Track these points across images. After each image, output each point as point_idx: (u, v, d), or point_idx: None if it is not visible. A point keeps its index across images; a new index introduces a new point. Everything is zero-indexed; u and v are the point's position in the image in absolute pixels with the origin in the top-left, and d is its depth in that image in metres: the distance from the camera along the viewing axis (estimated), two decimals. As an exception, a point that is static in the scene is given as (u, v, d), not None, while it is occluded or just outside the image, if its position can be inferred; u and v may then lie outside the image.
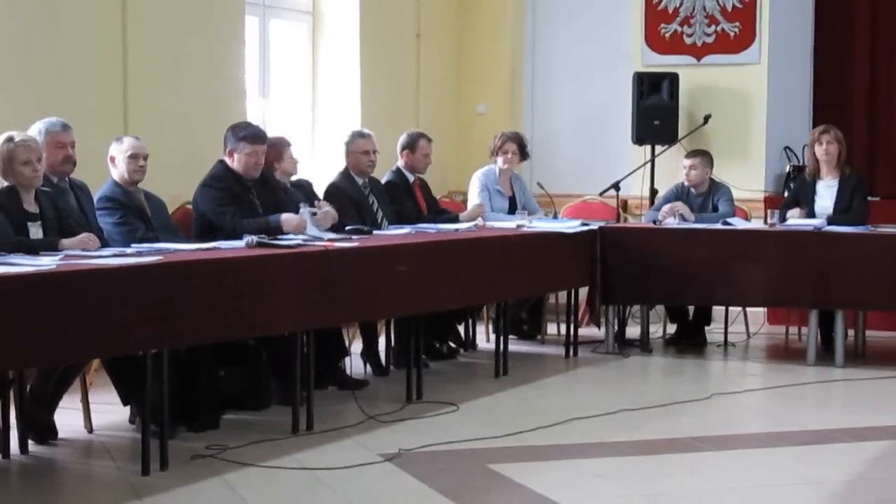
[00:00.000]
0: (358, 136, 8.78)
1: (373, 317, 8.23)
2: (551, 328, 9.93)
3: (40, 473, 5.90)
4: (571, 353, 9.24)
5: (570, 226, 9.38)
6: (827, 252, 8.76)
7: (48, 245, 5.98)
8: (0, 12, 7.47)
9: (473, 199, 9.53)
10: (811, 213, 9.21)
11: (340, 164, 8.78)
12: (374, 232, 8.00)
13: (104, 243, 6.35)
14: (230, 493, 5.40)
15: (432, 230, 8.45)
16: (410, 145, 9.18)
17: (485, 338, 9.49)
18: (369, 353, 8.49)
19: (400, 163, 9.17)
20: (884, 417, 7.08)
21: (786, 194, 9.81)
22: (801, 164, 9.83)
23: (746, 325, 10.20)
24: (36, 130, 6.44)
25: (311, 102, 10.69)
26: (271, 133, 8.17)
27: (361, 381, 7.98)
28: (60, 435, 6.33)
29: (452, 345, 9.25)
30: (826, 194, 9.32)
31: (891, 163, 10.19)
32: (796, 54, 11.42)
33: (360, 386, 7.83)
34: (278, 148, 7.95)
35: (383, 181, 8.93)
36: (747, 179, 10.60)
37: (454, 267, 7.92)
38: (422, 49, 11.38)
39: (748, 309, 10.01)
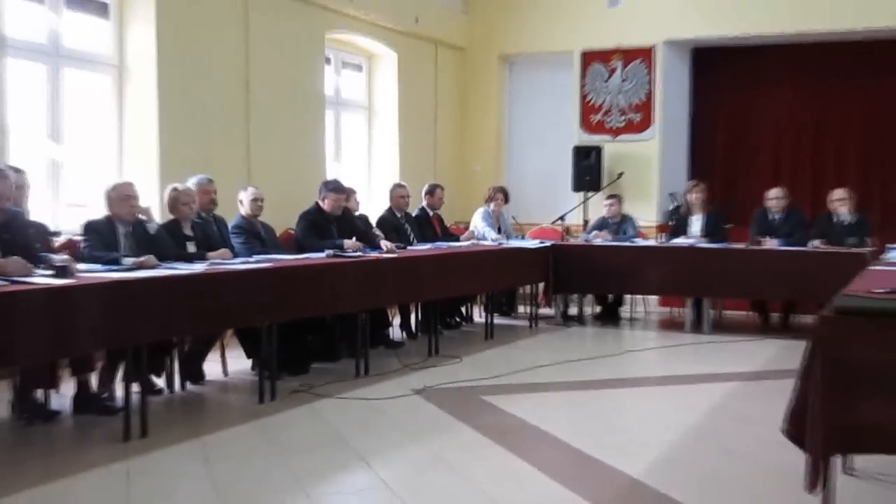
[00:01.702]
0: (397, 186, 8.83)
1: (406, 301, 8.26)
2: (521, 308, 9.87)
3: (194, 402, 5.92)
4: (534, 324, 9.19)
5: (533, 243, 9.45)
6: (697, 259, 8.78)
7: (199, 256, 6.01)
8: (179, 112, 7.51)
9: (477, 227, 9.54)
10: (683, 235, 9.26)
11: (385, 204, 8.78)
12: (408, 247, 8.01)
13: (235, 256, 6.37)
14: (315, 415, 5.42)
15: (444, 246, 8.46)
16: (430, 192, 9.22)
17: (478, 314, 9.44)
18: (404, 325, 8.48)
19: (423, 203, 9.17)
20: (734, 366, 7.09)
21: (670, 223, 9.77)
22: (679, 204, 9.80)
23: (645, 306, 10.20)
24: (191, 182, 6.48)
25: (367, 164, 10.69)
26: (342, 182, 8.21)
27: (399, 343, 7.98)
28: (207, 378, 6.34)
29: (458, 319, 9.22)
30: (696, 224, 9.31)
31: (742, 202, 10.15)
32: (678, 133, 11.38)
33: (398, 346, 7.84)
34: (348, 194, 7.97)
35: (413, 215, 8.92)
36: (646, 213, 10.58)
37: (458, 269, 7.98)
38: (437, 128, 11.37)
39: (647, 296, 10.02)
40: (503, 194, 9.83)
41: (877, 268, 5.79)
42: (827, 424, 3.28)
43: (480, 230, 9.52)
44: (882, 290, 3.87)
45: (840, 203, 8.81)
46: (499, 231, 9.59)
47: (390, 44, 10.52)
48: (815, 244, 8.53)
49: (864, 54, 10.56)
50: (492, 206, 9.72)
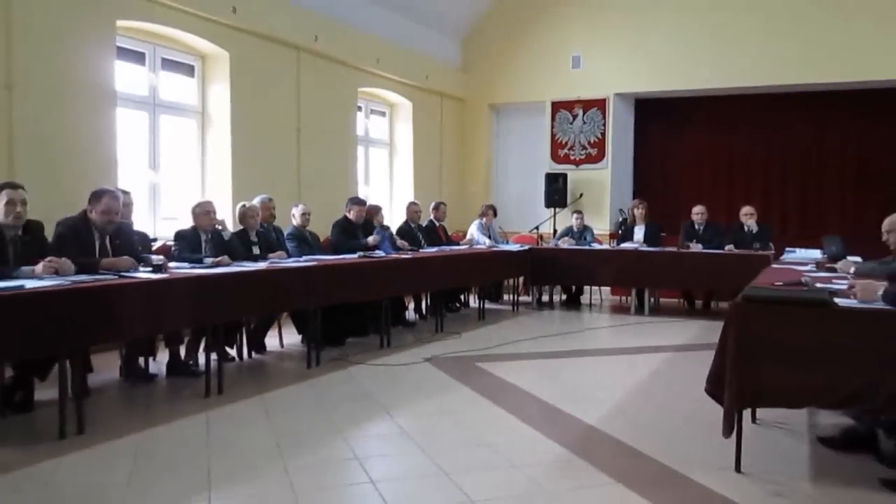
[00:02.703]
0: (412, 203, 8.82)
1: (418, 291, 8.25)
2: (506, 296, 9.86)
3: (258, 367, 5.91)
4: (515, 308, 9.16)
5: (515, 247, 9.39)
6: (639, 260, 8.74)
7: (262, 257, 6.02)
8: (246, 148, 7.53)
9: (473, 235, 9.53)
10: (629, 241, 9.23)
11: (403, 217, 8.78)
12: (420, 250, 7.99)
13: (289, 256, 6.37)
14: (350, 378, 5.41)
15: (448, 249, 8.43)
16: (436, 207, 9.19)
17: (473, 301, 9.43)
18: (417, 309, 8.47)
19: (431, 216, 9.14)
20: (668, 341, 7.06)
21: (619, 232, 9.76)
22: (626, 217, 9.79)
23: (600, 295, 10.18)
24: (256, 200, 6.48)
25: (389, 188, 10.69)
26: (371, 202, 8.19)
27: (413, 322, 7.95)
28: (267, 349, 6.34)
29: (457, 304, 9.21)
30: (639, 233, 9.30)
31: (673, 216, 10.14)
32: (625, 163, 11.37)
33: (412, 325, 7.83)
34: (375, 210, 7.96)
35: (424, 225, 8.91)
36: (601, 224, 10.57)
37: (458, 266, 7.95)
38: (442, 159, 11.38)
39: (601, 287, 10.00)
40: (493, 210, 9.84)
41: (777, 266, 5.80)
42: (738, 385, 3.29)
43: (476, 238, 9.51)
44: (780, 283, 3.88)
45: (748, 216, 8.81)
46: (489, 238, 9.59)
47: (407, 95, 10.54)
48: (729, 248, 8.53)
49: (765, 104, 10.57)
50: (484, 219, 9.73)
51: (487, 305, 8.93)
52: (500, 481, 3.34)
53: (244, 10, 7.46)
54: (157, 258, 4.93)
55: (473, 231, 9.66)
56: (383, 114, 10.66)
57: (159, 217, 7.16)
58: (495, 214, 9.87)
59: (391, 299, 6.88)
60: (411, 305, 8.44)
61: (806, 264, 5.76)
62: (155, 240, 6.09)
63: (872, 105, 10.07)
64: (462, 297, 9.44)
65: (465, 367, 5.81)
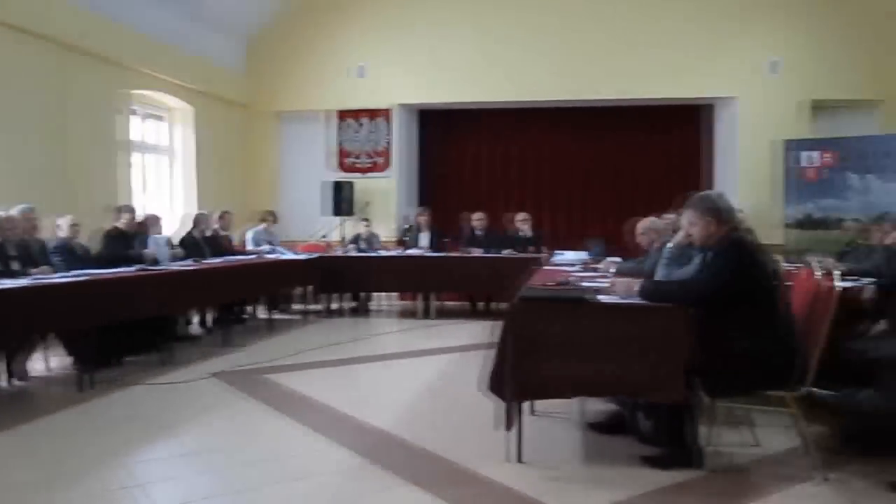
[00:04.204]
0: (200, 214, 8.36)
1: (203, 305, 7.81)
2: (295, 306, 9.64)
3: (19, 396, 5.31)
4: (305, 318, 8.98)
5: (303, 256, 9.21)
6: (425, 265, 8.97)
7: (23, 273, 5.41)
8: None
9: (250, 240, 9.20)
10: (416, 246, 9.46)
11: (186, 227, 8.30)
12: (203, 261, 7.60)
13: (55, 272, 5.78)
14: (128, 399, 5.02)
15: (234, 260, 8.08)
16: (221, 217, 8.83)
17: (261, 312, 9.12)
18: (202, 322, 8.03)
19: (216, 225, 8.73)
20: (453, 342, 7.28)
21: (405, 239, 9.93)
22: (411, 225, 10.02)
23: (388, 301, 10.29)
24: (14, 210, 5.81)
25: (170, 197, 10.07)
26: (148, 211, 7.65)
27: (197, 337, 7.53)
28: (31, 375, 5.71)
29: (245, 315, 8.86)
30: (424, 239, 9.54)
31: (455, 223, 10.47)
32: (410, 172, 11.58)
33: (197, 339, 7.40)
34: (153, 220, 7.45)
35: (208, 235, 8.48)
36: (388, 231, 10.66)
37: (244, 277, 7.62)
38: (226, 167, 10.94)
39: (390, 293, 10.10)
40: (273, 216, 9.65)
41: (548, 268, 6.20)
42: (516, 380, 3.47)
43: (258, 244, 9.23)
44: (552, 283, 4.15)
45: (523, 222, 9.37)
46: (270, 244, 9.37)
47: (187, 100, 9.98)
48: (506, 252, 9.01)
49: (537, 118, 11.30)
50: (264, 225, 9.51)
51: (276, 316, 8.72)
52: (294, 494, 3.26)
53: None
54: None
55: (249, 238, 9.38)
56: (161, 118, 10.05)
57: None
58: (275, 221, 9.68)
59: (172, 313, 6.49)
60: (195, 318, 8.02)
61: (573, 265, 6.20)
62: None
63: (630, 120, 11.13)
64: (250, 307, 9.13)
65: (254, 380, 5.62)
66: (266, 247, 9.15)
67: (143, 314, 6.07)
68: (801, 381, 3.35)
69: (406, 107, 11.25)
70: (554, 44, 10.57)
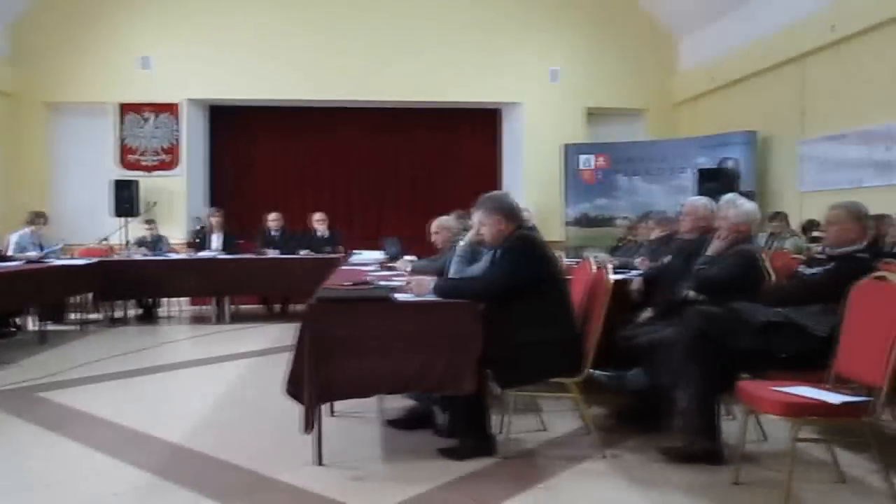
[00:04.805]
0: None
1: None
2: (72, 315, 8.84)
3: None
4: (83, 328, 8.29)
5: (81, 261, 8.44)
6: (218, 268, 8.66)
7: None
8: None
9: (13, 244, 8.32)
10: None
11: None
12: None
13: None
14: None
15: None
16: None
17: (32, 323, 8.27)
18: None
19: None
20: (250, 346, 7.09)
21: (196, 240, 9.46)
22: (203, 226, 9.61)
23: (179, 306, 9.79)
24: None
25: None
26: None
27: None
28: None
29: (12, 329, 7.98)
30: (216, 241, 9.20)
31: (250, 223, 10.13)
32: (200, 170, 11.16)
33: None
34: None
35: None
36: (177, 233, 10.17)
37: (8, 285, 6.88)
38: None
39: (180, 298, 9.60)
40: (43, 218, 8.69)
41: (345, 268, 6.21)
42: (315, 382, 3.43)
43: (23, 249, 8.25)
44: (348, 283, 4.16)
45: (319, 222, 9.31)
46: (41, 249, 8.50)
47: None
48: (303, 253, 8.90)
49: (332, 117, 11.32)
50: (31, 228, 8.55)
51: (50, 327, 7.94)
52: (72, 520, 3.00)
53: None
54: None
55: (12, 242, 8.42)
56: None
57: None
58: (45, 222, 8.76)
59: None
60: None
61: (370, 264, 6.26)
62: None
63: (429, 121, 11.45)
64: (17, 319, 8.24)
65: (25, 399, 5.08)
66: (33, 252, 8.24)
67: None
68: (581, 366, 3.63)
69: (196, 102, 10.78)
70: (344, 44, 10.64)
